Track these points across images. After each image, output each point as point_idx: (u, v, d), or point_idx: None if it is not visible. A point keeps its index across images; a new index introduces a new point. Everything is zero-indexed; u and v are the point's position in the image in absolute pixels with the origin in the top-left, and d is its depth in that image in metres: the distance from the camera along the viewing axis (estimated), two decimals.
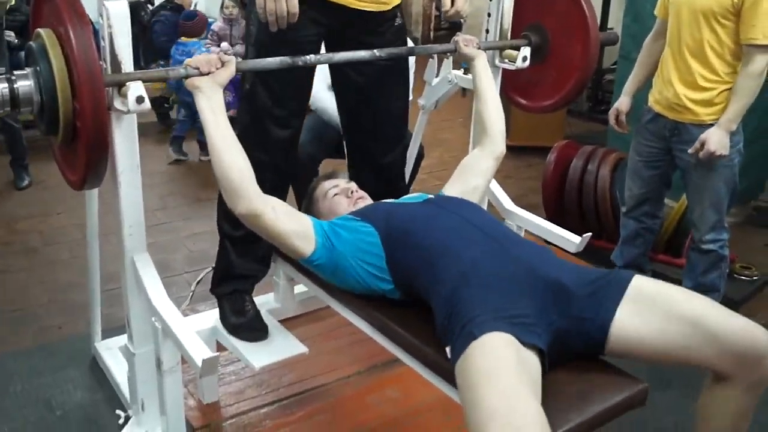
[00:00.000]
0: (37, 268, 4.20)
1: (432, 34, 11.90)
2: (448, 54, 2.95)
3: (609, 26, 6.97)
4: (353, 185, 2.68)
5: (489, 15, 3.07)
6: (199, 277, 4.06)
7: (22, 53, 6.90)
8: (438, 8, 9.97)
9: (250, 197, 2.12)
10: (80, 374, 3.21)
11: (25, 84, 1.90)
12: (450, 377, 1.97)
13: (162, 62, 6.74)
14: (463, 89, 3.47)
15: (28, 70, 1.92)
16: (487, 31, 3.09)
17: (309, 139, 4.03)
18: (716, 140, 3.19)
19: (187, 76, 2.12)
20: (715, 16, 3.15)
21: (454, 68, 3.37)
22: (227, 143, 2.12)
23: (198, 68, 2.12)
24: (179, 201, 5.33)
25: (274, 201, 2.19)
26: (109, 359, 3.18)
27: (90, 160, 1.93)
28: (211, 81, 2.12)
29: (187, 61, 2.14)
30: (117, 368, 3.09)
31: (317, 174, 3.86)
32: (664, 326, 1.97)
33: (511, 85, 3.16)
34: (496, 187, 3.25)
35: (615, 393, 1.96)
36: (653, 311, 1.99)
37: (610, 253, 3.97)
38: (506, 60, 3.03)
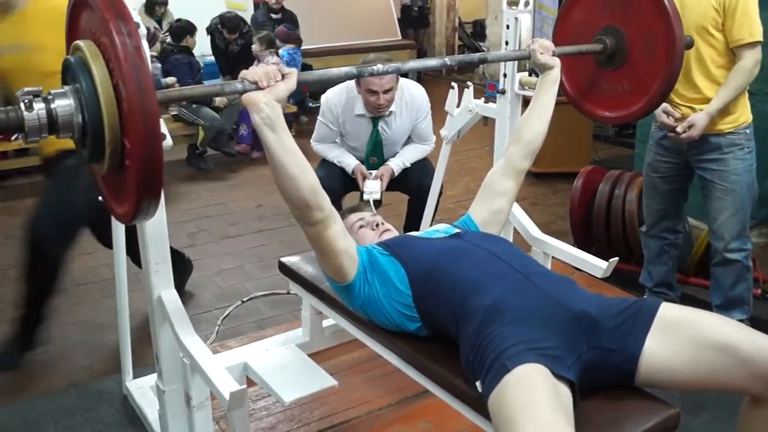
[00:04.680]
0: (68, 308, 4.22)
1: None
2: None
3: None
4: (378, 218, 2.69)
5: (507, 27, 3.06)
6: (226, 313, 4.07)
7: None
8: (461, 38, 10.02)
9: (323, 208, 2.07)
10: (112, 414, 3.22)
11: (64, 104, 1.64)
12: (480, 407, 1.96)
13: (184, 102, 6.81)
14: (485, 118, 3.47)
15: (66, 88, 1.67)
16: (507, 43, 3.08)
17: (322, 175, 4.11)
18: (702, 125, 3.27)
19: (244, 91, 1.95)
20: (708, 30, 3.23)
21: (475, 98, 3.38)
22: (297, 163, 1.99)
23: (256, 83, 1.94)
24: (207, 239, 5.35)
25: (337, 215, 2.16)
26: (140, 398, 3.18)
27: (142, 188, 1.67)
28: (270, 97, 1.94)
29: (243, 73, 1.97)
30: (148, 407, 3.09)
31: (340, 208, 3.90)
32: (693, 355, 1.96)
33: (587, 98, 2.95)
34: (522, 215, 3.24)
35: (646, 419, 1.94)
36: (682, 340, 1.98)
37: (639, 276, 3.96)
38: (526, 87, 3.02)
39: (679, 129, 3.29)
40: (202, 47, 7.96)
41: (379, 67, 2.24)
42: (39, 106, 1.62)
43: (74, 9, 1.84)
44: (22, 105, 1.60)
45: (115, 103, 1.62)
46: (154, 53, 6.68)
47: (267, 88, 1.94)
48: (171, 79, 6.87)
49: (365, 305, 2.30)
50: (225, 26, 8.09)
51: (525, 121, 2.68)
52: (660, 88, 2.67)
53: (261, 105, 1.93)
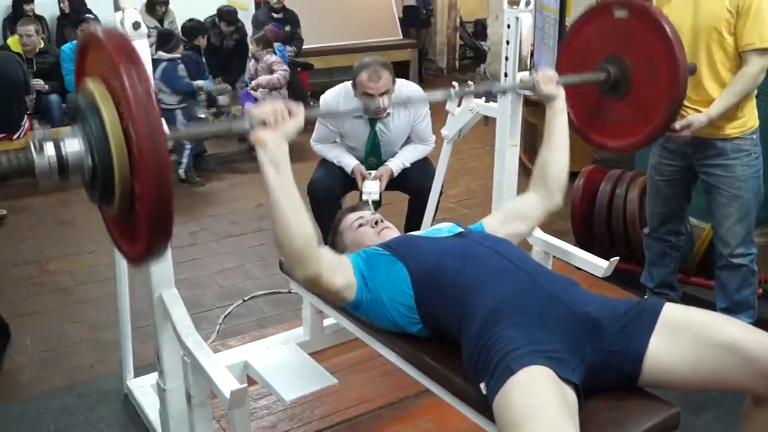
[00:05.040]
0: (69, 307, 4.23)
1: (457, 63, 11.93)
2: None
3: None
4: (378, 216, 2.68)
5: (507, 42, 3.06)
6: (227, 311, 4.08)
7: (51, 96, 7.03)
8: (462, 38, 9.98)
9: (313, 261, 2.04)
10: (113, 412, 3.22)
11: (74, 146, 1.62)
12: (481, 407, 1.96)
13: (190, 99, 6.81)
14: (485, 117, 3.46)
15: (76, 129, 1.66)
16: (507, 59, 3.08)
17: (322, 174, 4.16)
18: (698, 126, 3.20)
19: (252, 129, 1.94)
20: (721, 32, 3.17)
21: (475, 97, 3.37)
22: (294, 208, 1.96)
23: (264, 122, 1.93)
24: (209, 237, 5.34)
25: (328, 257, 2.12)
26: (141, 397, 3.19)
27: (152, 232, 1.66)
28: (277, 136, 1.93)
29: (251, 111, 1.96)
30: (149, 406, 3.09)
31: (340, 207, 3.91)
32: (697, 354, 1.95)
33: (592, 127, 2.97)
34: None
35: (646, 419, 1.94)
36: (686, 340, 1.97)
37: (641, 276, 3.95)
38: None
39: (676, 126, 3.23)
40: None
41: (386, 99, 2.23)
42: (49, 150, 1.61)
43: (83, 48, 1.82)
44: (32, 148, 1.60)
45: (125, 146, 1.60)
46: (178, 55, 6.69)
47: (275, 127, 1.94)
48: (200, 82, 6.88)
49: (368, 311, 2.30)
50: (223, 19, 8.11)
51: (546, 160, 2.61)
52: (664, 116, 2.69)
53: (268, 144, 1.92)
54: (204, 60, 7.53)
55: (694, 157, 3.41)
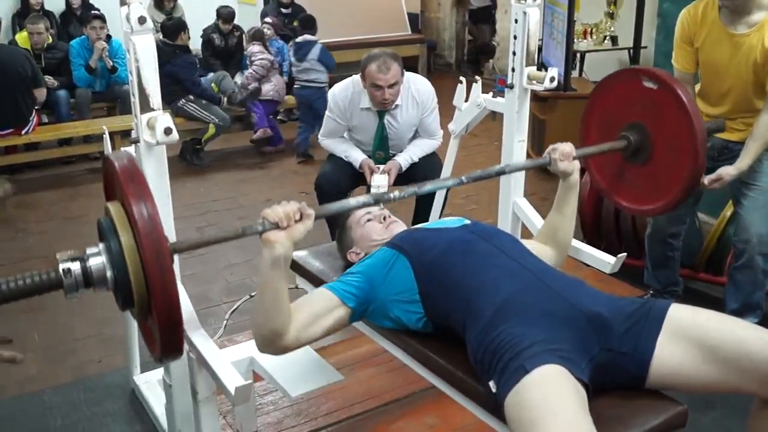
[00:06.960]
0: (76, 302, 4.19)
1: (465, 57, 11.91)
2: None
3: (642, 44, 6.94)
4: (386, 211, 2.68)
5: (515, 37, 3.05)
6: (234, 307, 4.08)
7: (59, 92, 7.03)
8: (471, 33, 9.93)
9: (282, 347, 2.09)
10: (119, 408, 3.23)
11: (97, 261, 1.79)
12: (487, 403, 1.96)
13: (191, 97, 6.81)
14: (493, 112, 3.45)
15: (100, 246, 1.82)
16: (514, 53, 3.07)
17: (330, 169, 4.15)
18: (729, 180, 3.23)
19: (264, 231, 1.98)
20: (759, 73, 3.17)
21: (483, 92, 3.36)
22: (278, 307, 2.01)
23: (276, 224, 1.97)
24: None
25: (297, 323, 2.09)
26: (147, 392, 3.19)
27: (163, 334, 1.79)
28: (287, 237, 1.97)
29: (265, 213, 2.00)
30: (155, 401, 3.10)
31: None
32: (704, 358, 1.94)
33: (616, 191, 2.94)
34: (530, 210, 3.22)
35: (653, 416, 1.93)
36: (693, 343, 1.96)
37: (644, 276, 3.97)
38: (534, 81, 3.01)
39: (705, 181, 3.21)
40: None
41: (396, 194, 2.22)
42: (75, 266, 1.77)
43: (106, 174, 1.97)
44: (60, 268, 1.76)
45: (138, 259, 1.75)
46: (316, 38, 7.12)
47: (286, 229, 1.97)
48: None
49: (371, 317, 2.31)
50: (221, 17, 8.08)
51: (554, 227, 2.62)
52: (681, 191, 2.67)
53: (276, 246, 1.96)
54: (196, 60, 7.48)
55: (718, 159, 3.40)
